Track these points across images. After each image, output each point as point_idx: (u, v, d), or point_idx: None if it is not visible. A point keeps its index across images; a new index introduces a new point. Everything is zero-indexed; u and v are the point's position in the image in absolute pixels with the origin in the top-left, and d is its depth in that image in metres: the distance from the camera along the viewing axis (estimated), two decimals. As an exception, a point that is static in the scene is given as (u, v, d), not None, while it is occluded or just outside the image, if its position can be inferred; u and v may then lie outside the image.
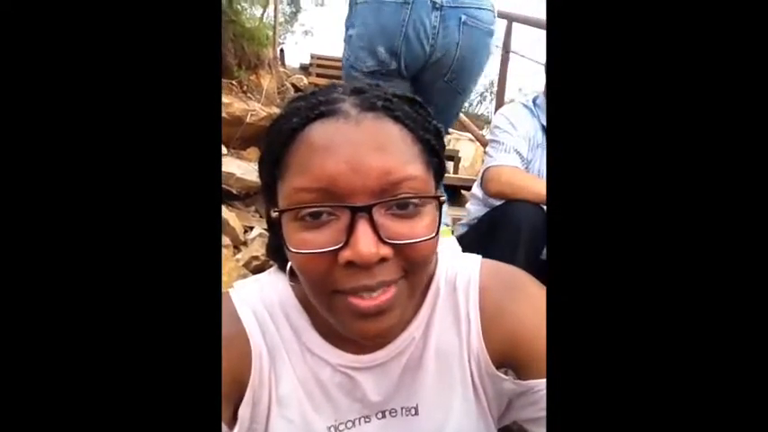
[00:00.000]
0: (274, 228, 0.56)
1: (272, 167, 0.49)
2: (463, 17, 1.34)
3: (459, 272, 0.59)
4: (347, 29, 1.47)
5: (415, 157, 0.47)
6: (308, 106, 0.47)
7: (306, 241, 0.45)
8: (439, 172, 0.51)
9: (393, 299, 0.46)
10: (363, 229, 0.43)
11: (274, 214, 0.46)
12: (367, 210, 0.43)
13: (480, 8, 1.38)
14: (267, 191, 0.52)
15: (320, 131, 0.45)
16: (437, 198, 0.47)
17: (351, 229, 0.43)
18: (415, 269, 0.47)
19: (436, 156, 0.50)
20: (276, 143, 0.48)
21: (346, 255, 0.43)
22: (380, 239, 0.43)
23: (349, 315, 0.46)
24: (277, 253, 0.58)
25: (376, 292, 0.45)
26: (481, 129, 4.11)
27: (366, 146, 0.44)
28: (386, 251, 0.44)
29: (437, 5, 1.32)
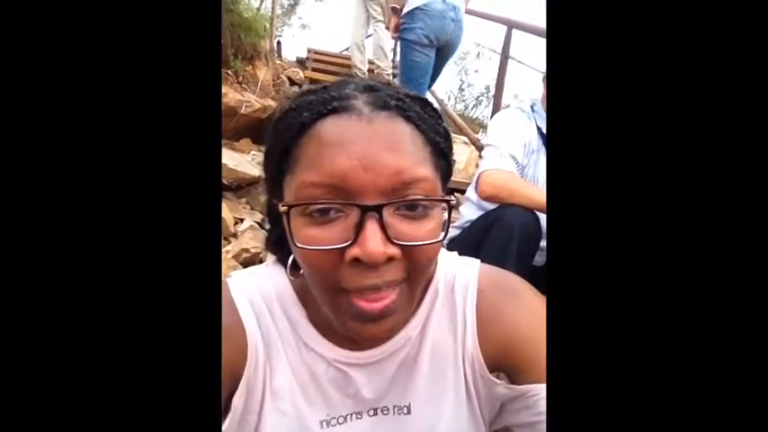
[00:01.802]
0: (276, 220, 0.55)
1: (279, 160, 0.48)
2: (452, 14, 2.89)
3: (458, 275, 0.60)
4: (408, 23, 2.89)
5: (425, 158, 0.47)
6: (320, 101, 0.47)
7: (313, 237, 0.44)
8: (446, 175, 0.51)
9: (396, 301, 0.46)
10: (372, 228, 0.43)
11: (283, 209, 0.46)
12: (377, 209, 0.43)
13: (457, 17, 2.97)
14: (272, 184, 0.51)
15: (332, 127, 0.45)
16: (447, 201, 0.47)
17: (359, 228, 0.43)
18: (418, 271, 0.47)
19: (444, 158, 0.50)
20: (286, 136, 0.47)
21: (354, 252, 0.43)
22: (388, 239, 0.43)
23: (352, 316, 0.46)
24: (276, 245, 0.58)
25: (382, 291, 0.45)
26: (476, 132, 4.13)
27: (378, 144, 0.44)
28: (393, 251, 0.44)
29: (451, 17, 2.89)
